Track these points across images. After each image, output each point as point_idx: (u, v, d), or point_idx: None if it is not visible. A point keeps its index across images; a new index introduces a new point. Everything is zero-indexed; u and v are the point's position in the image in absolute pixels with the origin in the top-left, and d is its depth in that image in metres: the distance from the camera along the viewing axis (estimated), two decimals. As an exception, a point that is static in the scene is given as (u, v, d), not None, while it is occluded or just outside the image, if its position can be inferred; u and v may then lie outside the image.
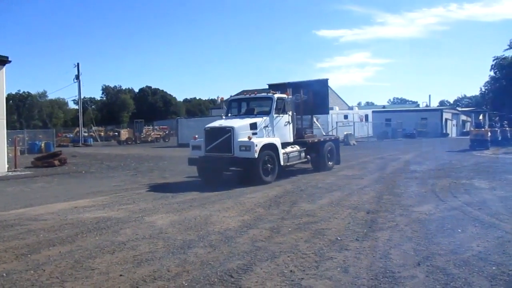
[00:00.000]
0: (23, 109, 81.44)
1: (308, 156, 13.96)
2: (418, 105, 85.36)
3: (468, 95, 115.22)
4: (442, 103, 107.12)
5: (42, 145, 32.09)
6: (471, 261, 4.92)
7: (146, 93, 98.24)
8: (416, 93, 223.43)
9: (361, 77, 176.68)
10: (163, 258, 5.29)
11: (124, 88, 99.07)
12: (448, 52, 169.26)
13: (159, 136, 52.43)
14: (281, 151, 12.46)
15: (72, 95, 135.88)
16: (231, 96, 14.65)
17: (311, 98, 15.14)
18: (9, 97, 64.98)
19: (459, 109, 72.59)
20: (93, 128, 56.24)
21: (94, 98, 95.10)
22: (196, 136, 13.23)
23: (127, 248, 5.78)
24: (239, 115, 13.62)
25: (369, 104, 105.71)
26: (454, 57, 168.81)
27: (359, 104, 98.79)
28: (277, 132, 12.88)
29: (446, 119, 56.57)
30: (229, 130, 11.86)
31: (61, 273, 4.82)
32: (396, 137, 44.23)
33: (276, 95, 13.14)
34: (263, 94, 13.74)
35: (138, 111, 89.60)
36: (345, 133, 36.08)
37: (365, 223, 6.91)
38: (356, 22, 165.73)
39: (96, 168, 19.09)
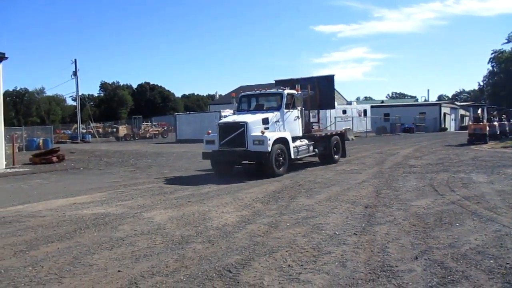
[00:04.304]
0: (20, 106, 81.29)
1: (316, 150, 14.44)
2: (416, 100, 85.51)
3: (467, 89, 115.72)
4: (440, 97, 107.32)
5: (40, 142, 32.04)
6: (469, 254, 4.93)
7: (144, 89, 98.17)
8: (414, 87, 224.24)
9: (359, 72, 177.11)
10: (162, 253, 5.29)
11: (122, 84, 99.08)
12: (446, 46, 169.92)
13: (157, 132, 52.41)
14: (292, 145, 12.93)
15: (70, 92, 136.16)
16: (242, 92, 15.19)
17: (318, 93, 15.61)
18: (7, 94, 64.80)
19: (458, 103, 72.71)
20: (91, 124, 56.09)
21: (92, 94, 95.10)
22: (210, 131, 13.85)
23: (125, 244, 5.78)
24: (250, 110, 14.07)
25: (367, 99, 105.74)
26: (452, 51, 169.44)
27: (357, 99, 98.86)
28: (287, 126, 13.32)
29: (444, 114, 56.68)
30: (242, 125, 12.31)
31: (59, 269, 4.82)
32: (394, 131, 44.34)
33: (286, 91, 13.60)
34: (273, 90, 14.30)
35: (137, 107, 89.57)
36: (344, 128, 36.02)
37: (363, 217, 6.91)
38: (354, 17, 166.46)
39: (94, 164, 19.06)
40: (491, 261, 4.69)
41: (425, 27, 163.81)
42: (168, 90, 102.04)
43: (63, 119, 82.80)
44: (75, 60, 48.28)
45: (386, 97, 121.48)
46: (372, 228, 6.23)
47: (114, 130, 52.02)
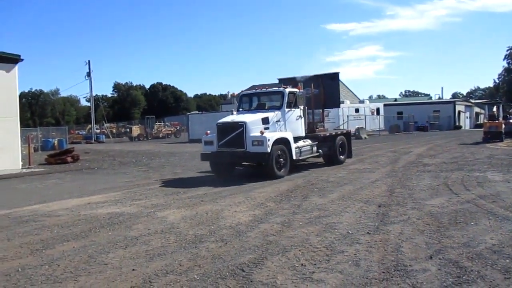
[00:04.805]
0: (36, 107, 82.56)
1: (320, 150, 13.94)
2: (430, 98, 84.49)
3: (482, 87, 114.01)
4: (455, 95, 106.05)
5: (55, 142, 32.50)
6: (484, 254, 4.87)
7: (157, 89, 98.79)
8: (428, 85, 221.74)
9: (372, 70, 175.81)
10: (175, 252, 5.34)
11: (135, 84, 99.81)
12: (461, 43, 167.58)
13: (170, 132, 52.70)
14: (293, 145, 12.46)
15: (84, 93, 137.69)
16: (242, 91, 14.56)
17: (322, 91, 15.11)
18: (22, 95, 65.83)
19: (472, 101, 71.69)
20: (105, 125, 56.62)
21: (105, 95, 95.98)
22: (208, 131, 13.28)
23: (139, 243, 5.84)
24: (251, 110, 13.57)
25: (380, 98, 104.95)
26: (467, 48, 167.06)
27: (370, 97, 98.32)
28: (289, 126, 12.85)
29: (459, 112, 55.93)
30: (241, 125, 11.83)
31: (75, 267, 4.89)
32: (408, 130, 43.89)
33: (288, 89, 13.10)
34: (274, 88, 13.73)
35: (149, 107, 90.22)
36: (356, 126, 35.86)
37: (376, 216, 6.87)
38: (366, 15, 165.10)
39: (108, 164, 19.26)
40: (507, 260, 4.63)
41: (439, 24, 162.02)
42: (181, 90, 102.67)
43: (77, 119, 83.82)
44: (89, 61, 48.71)
45: (399, 95, 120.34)
46: (386, 227, 6.19)
47: (128, 130, 52.48)
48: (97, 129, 53.22)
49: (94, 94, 51.85)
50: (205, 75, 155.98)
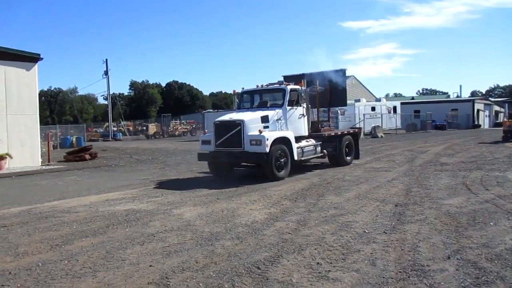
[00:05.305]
0: (55, 105, 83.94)
1: (324, 151, 13.35)
2: (448, 96, 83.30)
3: (501, 84, 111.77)
4: (473, 93, 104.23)
5: (74, 139, 33.04)
6: (503, 255, 4.79)
7: (173, 87, 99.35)
8: (446, 83, 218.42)
9: (389, 68, 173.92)
10: (191, 249, 5.38)
11: (151, 83, 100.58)
12: (479, 41, 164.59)
13: (186, 130, 53.01)
14: (295, 145, 11.87)
15: (101, 91, 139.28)
16: (243, 89, 14.00)
17: (328, 89, 14.54)
18: (41, 94, 66.89)
19: (492, 99, 70.46)
20: (122, 122, 57.33)
21: (122, 93, 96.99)
22: (206, 130, 13.06)
23: (156, 239, 5.91)
24: (252, 108, 13.02)
25: (397, 96, 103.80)
26: (486, 46, 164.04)
27: (387, 95, 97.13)
28: (290, 125, 12.30)
29: (478, 110, 55.04)
30: (239, 124, 11.27)
31: (93, 263, 4.97)
32: (425, 129, 43.32)
33: (289, 87, 12.54)
34: (275, 85, 13.05)
35: (165, 105, 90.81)
36: (373, 125, 35.58)
37: (393, 216, 6.82)
38: (382, 12, 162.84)
39: (125, 161, 19.51)
40: (528, 261, 4.55)
41: (457, 21, 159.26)
42: (196, 88, 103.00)
43: (95, 117, 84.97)
44: (106, 60, 49.23)
45: (417, 93, 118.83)
46: (403, 226, 6.14)
47: (144, 128, 53.02)
48: (114, 127, 53.89)
49: (111, 92, 52.46)
50: (221, 73, 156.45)
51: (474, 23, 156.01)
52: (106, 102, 57.86)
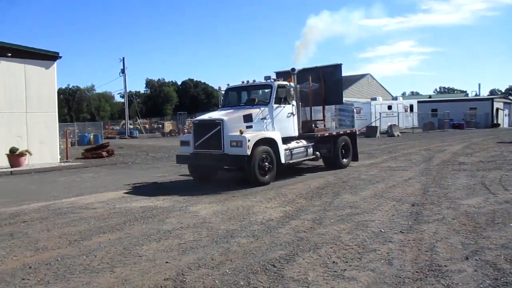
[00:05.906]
0: (73, 102, 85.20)
1: (317, 153, 12.32)
2: (466, 95, 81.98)
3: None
4: (492, 92, 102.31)
5: (91, 137, 33.53)
6: (524, 256, 4.70)
7: (189, 85, 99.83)
8: (464, 82, 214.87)
9: (406, 66, 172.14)
10: (207, 246, 5.41)
11: (167, 81, 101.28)
12: (499, 38, 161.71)
13: (201, 128, 53.11)
14: (282, 147, 10.86)
15: (118, 89, 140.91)
16: (228, 85, 12.83)
17: (323, 86, 13.55)
18: (60, 91, 68.04)
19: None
20: (138, 120, 57.93)
21: (139, 91, 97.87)
22: (186, 130, 12.27)
23: (172, 236, 5.96)
24: (238, 106, 11.95)
25: (414, 94, 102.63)
26: (505, 44, 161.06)
27: (403, 94, 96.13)
28: (277, 124, 11.25)
29: (497, 109, 54.03)
30: (218, 123, 10.31)
31: (111, 258, 5.04)
32: (443, 128, 42.71)
33: (277, 82, 11.50)
34: (262, 81, 11.94)
35: (181, 103, 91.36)
36: (389, 124, 35.26)
37: (410, 215, 6.75)
38: (399, 10, 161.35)
39: (141, 159, 19.71)
40: (549, 263, 4.46)
41: (476, 18, 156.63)
42: (212, 86, 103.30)
43: (111, 115, 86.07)
44: (123, 58, 49.89)
45: (434, 92, 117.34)
46: (420, 226, 6.07)
47: (160, 126, 53.53)
48: (130, 124, 54.48)
49: (127, 90, 53.03)
50: (236, 72, 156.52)
51: (493, 20, 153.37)
52: (122, 100, 58.71)
